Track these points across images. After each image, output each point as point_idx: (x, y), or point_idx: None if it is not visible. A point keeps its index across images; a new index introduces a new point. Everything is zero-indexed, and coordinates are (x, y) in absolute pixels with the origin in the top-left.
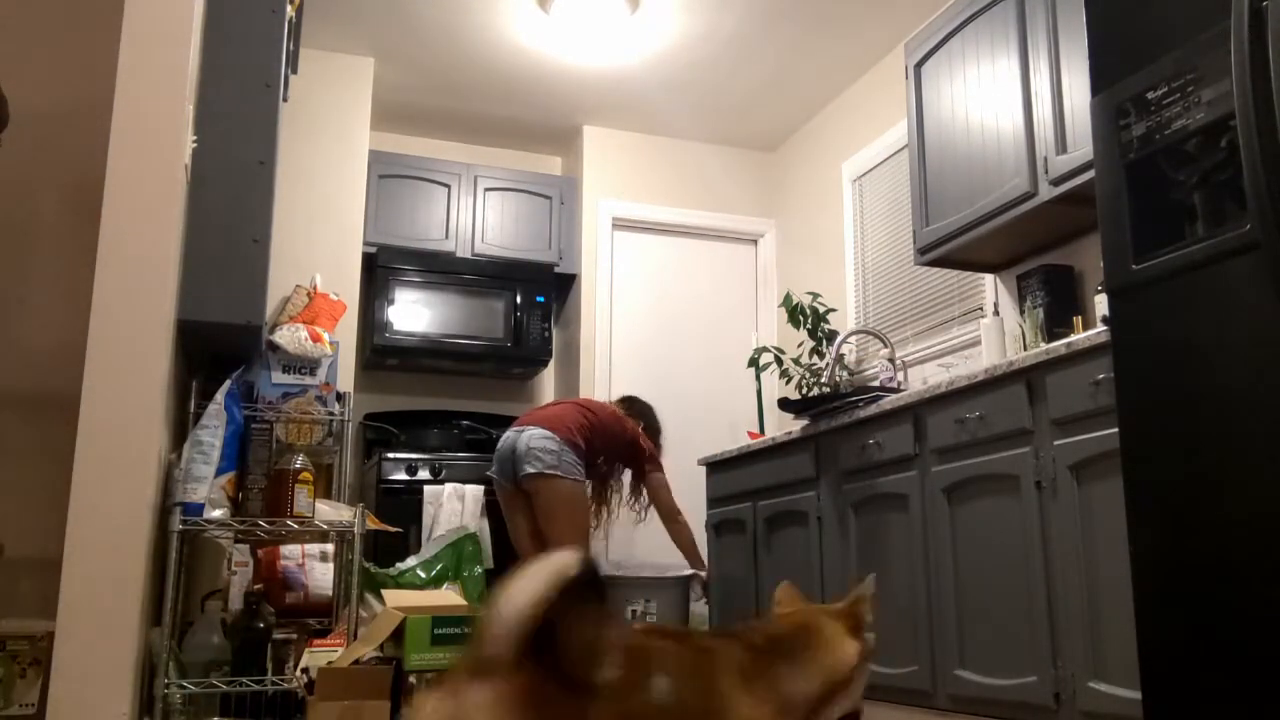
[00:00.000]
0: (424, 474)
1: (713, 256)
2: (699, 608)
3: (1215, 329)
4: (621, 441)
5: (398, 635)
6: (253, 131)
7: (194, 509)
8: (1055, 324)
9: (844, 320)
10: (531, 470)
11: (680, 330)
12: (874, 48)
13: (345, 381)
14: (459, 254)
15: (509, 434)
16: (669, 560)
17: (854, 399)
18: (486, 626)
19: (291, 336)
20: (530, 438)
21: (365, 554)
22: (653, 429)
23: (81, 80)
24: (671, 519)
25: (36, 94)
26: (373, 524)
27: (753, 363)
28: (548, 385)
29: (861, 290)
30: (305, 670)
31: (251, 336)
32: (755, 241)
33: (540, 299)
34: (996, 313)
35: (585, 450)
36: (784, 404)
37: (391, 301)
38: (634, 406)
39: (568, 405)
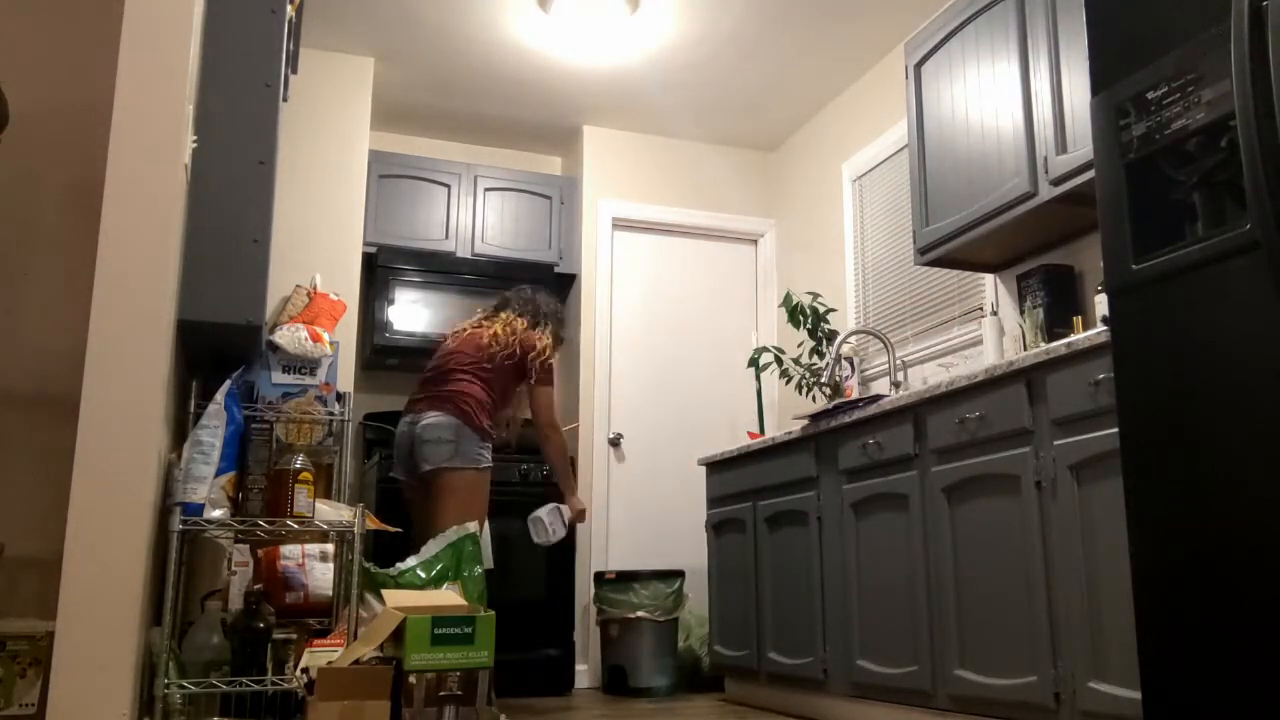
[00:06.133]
0: None
1: (713, 256)
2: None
3: (1215, 329)
4: (521, 367)
5: (398, 635)
6: (253, 131)
7: (194, 509)
8: (1055, 324)
9: (844, 320)
10: (429, 467)
11: (680, 330)
12: (874, 48)
13: (345, 381)
14: (459, 254)
15: (403, 425)
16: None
17: (861, 401)
18: None
19: (291, 336)
20: (425, 428)
21: (365, 554)
22: (559, 327)
23: (81, 80)
24: (552, 429)
25: (36, 94)
26: (373, 524)
27: (753, 363)
28: None
29: (861, 290)
30: (305, 670)
31: (251, 336)
32: (755, 241)
33: None
34: (996, 313)
35: (488, 420)
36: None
37: (391, 301)
38: (538, 310)
39: (461, 372)
